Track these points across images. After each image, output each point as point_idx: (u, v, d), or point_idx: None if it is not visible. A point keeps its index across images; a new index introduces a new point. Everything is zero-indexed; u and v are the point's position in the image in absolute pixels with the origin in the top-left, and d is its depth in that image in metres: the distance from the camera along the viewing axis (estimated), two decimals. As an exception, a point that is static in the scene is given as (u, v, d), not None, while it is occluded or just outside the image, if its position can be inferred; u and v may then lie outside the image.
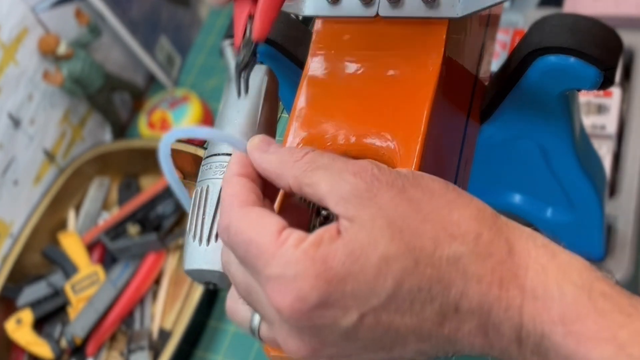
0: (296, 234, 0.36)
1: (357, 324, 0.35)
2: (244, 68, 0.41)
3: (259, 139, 0.41)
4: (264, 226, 0.37)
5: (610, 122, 0.81)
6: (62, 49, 0.94)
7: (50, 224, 0.95)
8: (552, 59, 0.50)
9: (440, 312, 0.35)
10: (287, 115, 0.50)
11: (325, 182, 0.37)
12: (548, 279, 0.35)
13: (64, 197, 0.97)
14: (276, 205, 0.42)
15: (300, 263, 0.35)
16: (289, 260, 0.35)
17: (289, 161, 0.39)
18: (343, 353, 0.37)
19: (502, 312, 0.35)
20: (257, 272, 0.36)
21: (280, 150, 0.40)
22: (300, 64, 0.52)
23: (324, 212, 0.42)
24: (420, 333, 0.35)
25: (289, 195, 0.42)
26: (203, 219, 0.45)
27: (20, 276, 0.90)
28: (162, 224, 0.94)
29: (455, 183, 0.51)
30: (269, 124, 0.48)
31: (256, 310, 0.38)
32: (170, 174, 0.41)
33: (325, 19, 0.50)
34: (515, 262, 0.36)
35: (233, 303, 0.41)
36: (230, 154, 0.46)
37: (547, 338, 0.35)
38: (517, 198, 0.68)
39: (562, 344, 0.34)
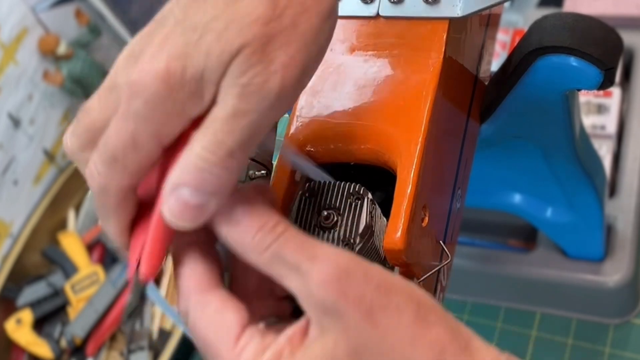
0: (255, 342, 0.34)
1: None
2: (131, 315, 0.35)
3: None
4: (222, 327, 0.34)
5: (610, 122, 0.81)
6: (62, 49, 0.94)
7: (50, 224, 0.95)
8: (552, 58, 0.50)
9: None
10: (287, 115, 0.50)
11: (291, 279, 0.33)
12: None
13: (64, 197, 0.97)
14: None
15: None
16: None
17: (246, 245, 0.34)
18: None
19: None
20: None
21: (242, 224, 0.34)
22: (301, 63, 0.52)
23: (324, 213, 0.42)
24: None
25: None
26: (203, 218, 0.45)
27: (20, 276, 0.90)
28: (162, 224, 0.94)
29: (455, 183, 0.51)
30: (269, 123, 0.48)
31: None
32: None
33: (326, 18, 0.50)
34: None
35: None
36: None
37: None
38: (517, 198, 0.68)
39: None
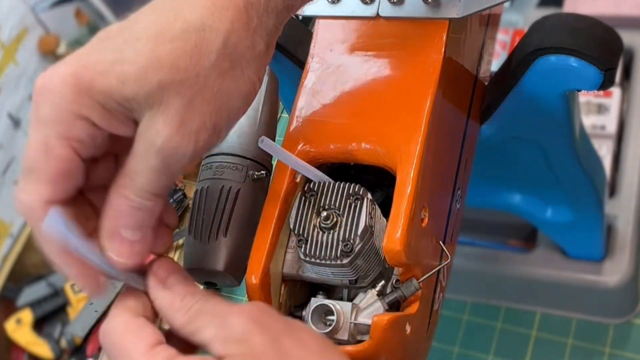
0: (169, 352, 0.36)
1: None
2: None
3: (161, 264, 0.40)
4: (140, 337, 0.36)
5: (610, 122, 0.81)
6: (62, 49, 0.94)
7: (50, 224, 0.95)
8: (552, 59, 0.50)
9: None
10: (287, 116, 0.50)
11: (210, 327, 0.37)
12: None
13: (64, 197, 0.97)
14: None
15: None
16: None
17: (175, 307, 0.38)
18: None
19: None
20: None
21: (174, 288, 0.39)
22: (301, 64, 0.52)
23: (324, 213, 0.42)
24: None
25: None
26: (203, 218, 0.45)
27: (20, 276, 0.90)
28: (162, 224, 0.94)
29: (455, 183, 0.51)
30: (269, 124, 0.49)
31: None
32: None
33: (326, 18, 0.50)
34: None
35: None
36: (230, 154, 0.46)
37: None
38: (517, 198, 0.68)
39: None
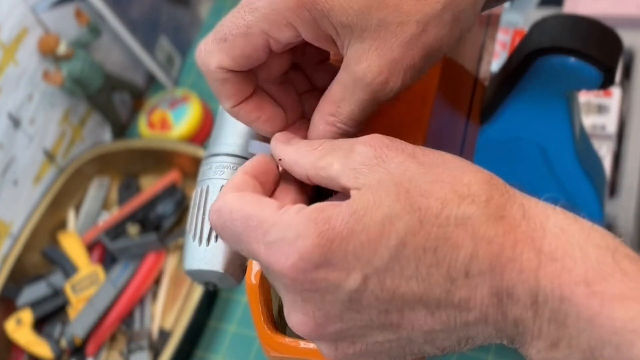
0: (298, 205, 0.36)
1: (361, 287, 0.34)
2: None
3: (281, 134, 0.41)
4: (262, 204, 0.37)
5: (610, 122, 0.81)
6: (62, 49, 0.94)
7: (50, 224, 0.95)
8: (552, 59, 0.50)
9: (449, 277, 0.33)
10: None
11: (338, 160, 0.37)
12: (569, 241, 0.33)
13: (64, 197, 0.97)
14: None
15: (302, 224, 0.34)
16: (290, 223, 0.35)
17: (306, 150, 0.39)
18: (348, 330, 0.35)
19: (516, 274, 0.33)
20: (257, 243, 0.36)
21: (300, 142, 0.40)
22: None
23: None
24: (428, 302, 0.34)
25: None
26: (203, 219, 0.45)
27: (20, 276, 0.90)
28: (162, 224, 0.94)
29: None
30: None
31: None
32: None
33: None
34: (530, 226, 0.34)
35: None
36: (230, 154, 0.46)
37: (567, 300, 0.32)
38: (517, 198, 0.68)
39: (584, 305, 0.32)
